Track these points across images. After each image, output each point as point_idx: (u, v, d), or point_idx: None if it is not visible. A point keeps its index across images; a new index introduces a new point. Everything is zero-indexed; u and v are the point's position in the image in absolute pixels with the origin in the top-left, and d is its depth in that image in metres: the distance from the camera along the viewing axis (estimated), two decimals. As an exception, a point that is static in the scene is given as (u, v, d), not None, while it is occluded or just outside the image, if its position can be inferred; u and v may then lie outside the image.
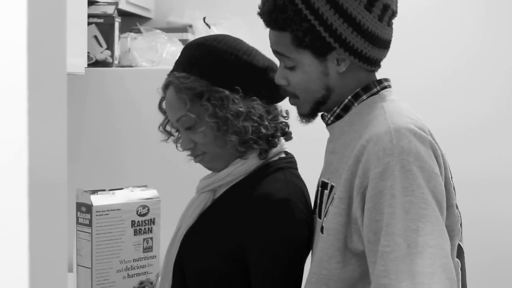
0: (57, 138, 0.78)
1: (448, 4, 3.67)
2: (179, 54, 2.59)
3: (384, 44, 1.57)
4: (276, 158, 1.77)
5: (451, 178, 1.56)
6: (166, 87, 1.76)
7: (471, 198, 3.66)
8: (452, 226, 1.50)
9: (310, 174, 1.93)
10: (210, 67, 1.70)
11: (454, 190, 1.56)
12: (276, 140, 1.77)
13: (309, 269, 1.59)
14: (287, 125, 1.80)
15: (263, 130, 1.71)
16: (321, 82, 1.56)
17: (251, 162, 1.75)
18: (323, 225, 1.55)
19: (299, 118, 1.65)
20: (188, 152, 1.79)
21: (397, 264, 1.36)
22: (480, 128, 3.70)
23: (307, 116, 1.64)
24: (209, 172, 1.82)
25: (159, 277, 1.90)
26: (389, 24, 1.57)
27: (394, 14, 1.58)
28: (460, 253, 1.57)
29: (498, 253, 3.72)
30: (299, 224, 1.67)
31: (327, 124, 1.64)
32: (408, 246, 1.36)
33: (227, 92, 1.68)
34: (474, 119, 3.70)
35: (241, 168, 1.74)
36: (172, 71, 1.77)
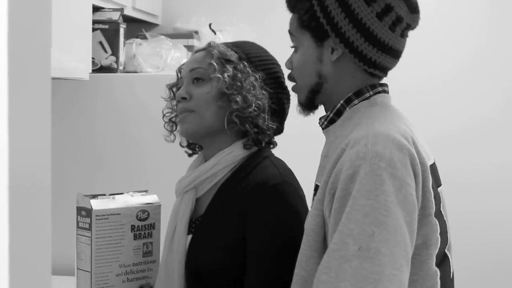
0: (40, 141, 0.78)
1: (452, 8, 3.68)
2: (183, 60, 2.62)
3: (389, 50, 1.59)
4: (256, 149, 1.83)
5: (438, 186, 1.57)
6: (200, 50, 1.86)
7: (478, 200, 3.67)
8: (429, 235, 1.49)
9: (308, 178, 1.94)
10: (247, 50, 1.85)
11: (439, 199, 1.55)
12: (265, 140, 1.82)
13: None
14: (272, 135, 1.86)
15: (260, 120, 1.78)
16: (315, 67, 1.62)
17: (236, 152, 1.80)
18: (305, 226, 1.57)
19: (298, 108, 1.70)
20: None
21: (340, 263, 1.36)
22: (485, 130, 3.70)
23: (304, 106, 1.68)
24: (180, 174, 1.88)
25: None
26: (402, 35, 1.61)
27: (408, 27, 1.61)
28: (443, 261, 1.56)
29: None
30: (298, 205, 1.76)
31: (323, 129, 1.67)
32: (359, 249, 1.36)
33: (251, 70, 1.80)
34: (479, 121, 3.70)
35: (227, 158, 1.80)
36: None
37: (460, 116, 3.70)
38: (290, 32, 1.67)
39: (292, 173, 1.83)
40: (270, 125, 1.80)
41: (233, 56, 1.81)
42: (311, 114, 1.70)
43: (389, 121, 1.52)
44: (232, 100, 1.76)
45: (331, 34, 1.57)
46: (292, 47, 1.68)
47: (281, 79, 1.87)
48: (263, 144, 1.82)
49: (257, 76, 1.81)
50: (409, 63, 3.58)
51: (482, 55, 3.68)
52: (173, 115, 1.92)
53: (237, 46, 1.86)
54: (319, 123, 1.68)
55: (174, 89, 1.91)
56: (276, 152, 1.90)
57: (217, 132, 1.81)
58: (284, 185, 1.75)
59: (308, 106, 1.68)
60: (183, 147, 1.97)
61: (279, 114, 1.86)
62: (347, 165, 1.44)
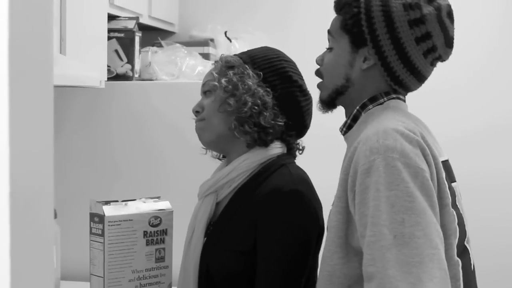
0: (43, 149, 0.80)
1: (466, 7, 3.67)
2: (198, 67, 2.64)
3: (416, 73, 1.67)
4: (275, 157, 1.85)
5: (452, 182, 1.63)
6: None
7: (493, 202, 3.65)
8: (448, 226, 1.55)
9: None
10: (254, 53, 1.92)
11: (454, 192, 1.61)
12: (269, 138, 1.84)
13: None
14: (277, 133, 1.87)
15: (261, 118, 1.81)
16: (344, 70, 1.68)
17: (252, 159, 1.84)
18: (327, 223, 1.64)
19: (318, 105, 1.77)
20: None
21: (383, 253, 1.42)
22: (500, 131, 3.69)
23: (325, 103, 1.75)
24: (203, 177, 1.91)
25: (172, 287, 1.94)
26: (432, 64, 1.69)
27: (440, 57, 1.69)
28: (463, 253, 1.61)
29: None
30: (310, 215, 1.78)
31: (343, 135, 1.73)
32: (395, 237, 1.43)
33: (250, 70, 1.85)
34: (494, 122, 3.69)
35: (243, 164, 1.83)
36: None
37: (475, 118, 3.69)
38: (329, 31, 1.73)
39: (308, 181, 1.85)
40: (274, 122, 1.84)
41: (236, 62, 1.88)
42: (330, 112, 1.77)
43: (398, 119, 1.59)
44: (227, 102, 1.83)
45: (369, 44, 1.64)
46: (328, 48, 1.74)
47: (289, 74, 1.89)
48: (268, 143, 1.85)
49: (257, 74, 1.86)
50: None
51: (496, 56, 3.68)
52: None
53: (247, 52, 1.93)
54: (340, 130, 1.74)
55: None
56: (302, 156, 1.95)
57: (231, 138, 1.85)
58: (296, 192, 1.78)
59: (328, 104, 1.75)
60: (220, 159, 2.01)
61: (291, 108, 1.88)
62: (362, 161, 1.51)
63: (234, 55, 1.93)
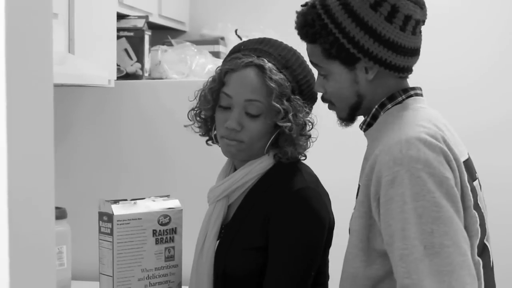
0: (43, 148, 0.80)
1: (475, 5, 3.65)
2: (208, 65, 2.62)
3: (409, 52, 1.65)
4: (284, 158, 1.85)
5: (473, 180, 1.64)
6: (249, 65, 1.79)
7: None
8: (470, 227, 1.57)
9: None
10: (297, 76, 1.82)
11: (475, 192, 1.62)
12: (301, 154, 1.87)
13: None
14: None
15: (302, 139, 1.82)
16: (352, 90, 1.67)
17: (267, 162, 1.83)
18: (349, 227, 1.66)
19: (338, 122, 1.76)
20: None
21: (417, 265, 1.46)
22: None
23: (345, 120, 1.75)
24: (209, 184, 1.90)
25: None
26: (414, 33, 1.65)
27: (418, 22, 1.66)
28: (483, 252, 1.63)
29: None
30: (319, 211, 1.78)
31: (364, 132, 1.74)
32: (425, 248, 1.46)
33: (301, 102, 1.80)
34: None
35: (258, 167, 1.82)
36: (253, 53, 1.81)
37: (489, 113, 3.67)
38: (314, 63, 1.70)
39: (318, 180, 1.86)
40: (308, 142, 1.85)
41: (287, 87, 1.78)
42: (350, 125, 1.77)
43: (419, 124, 1.59)
44: (287, 128, 1.78)
45: (364, 59, 1.62)
46: (321, 75, 1.71)
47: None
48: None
49: (307, 105, 1.82)
50: (435, 62, 3.59)
51: (507, 53, 3.66)
52: (203, 115, 1.90)
53: (285, 67, 1.82)
54: (359, 126, 1.74)
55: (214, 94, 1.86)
56: (314, 153, 1.95)
57: (262, 151, 1.85)
58: (307, 190, 1.78)
59: (349, 120, 1.75)
60: (208, 143, 1.97)
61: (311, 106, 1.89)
62: (386, 172, 1.52)
63: (273, 64, 1.80)
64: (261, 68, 1.77)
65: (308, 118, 1.83)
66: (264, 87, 1.77)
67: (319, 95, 1.77)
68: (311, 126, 1.85)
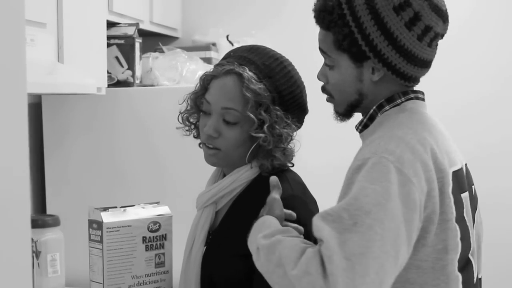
0: (16, 157, 0.81)
1: (489, 16, 3.64)
2: (198, 72, 2.63)
3: (420, 63, 1.61)
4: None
5: (462, 192, 1.58)
6: (229, 72, 1.80)
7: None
8: (448, 241, 1.51)
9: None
10: (279, 87, 1.81)
11: (461, 204, 1.57)
12: (284, 163, 1.87)
13: None
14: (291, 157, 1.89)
15: (280, 150, 1.81)
16: (355, 87, 1.64)
17: (254, 170, 1.84)
18: None
19: (334, 115, 1.73)
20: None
21: (339, 232, 1.36)
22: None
23: (341, 115, 1.71)
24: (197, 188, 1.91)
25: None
26: (431, 45, 1.61)
27: (437, 36, 1.62)
28: (465, 267, 1.57)
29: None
30: (303, 221, 1.73)
31: (359, 133, 1.71)
32: (354, 224, 1.36)
33: (282, 113, 1.79)
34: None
35: (244, 175, 1.83)
36: (235, 61, 1.82)
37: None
38: (323, 50, 1.66)
39: (305, 188, 1.87)
40: (290, 152, 1.85)
41: (267, 97, 1.78)
42: (346, 120, 1.74)
43: (410, 127, 1.56)
44: (261, 139, 1.78)
45: (374, 59, 1.58)
46: (327, 65, 1.67)
47: (303, 99, 1.88)
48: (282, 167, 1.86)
49: (289, 116, 1.82)
50: (447, 76, 3.55)
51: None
52: (192, 119, 1.93)
53: (267, 76, 1.81)
54: (355, 127, 1.71)
55: (197, 100, 1.90)
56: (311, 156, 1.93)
57: (243, 161, 1.86)
58: (293, 199, 1.77)
59: (346, 116, 1.72)
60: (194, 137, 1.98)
61: (301, 121, 1.90)
62: (357, 158, 1.50)
63: (254, 73, 1.79)
64: (240, 77, 1.78)
65: (286, 130, 1.80)
66: (241, 96, 1.78)
67: (319, 85, 1.72)
68: (289, 139, 1.83)
